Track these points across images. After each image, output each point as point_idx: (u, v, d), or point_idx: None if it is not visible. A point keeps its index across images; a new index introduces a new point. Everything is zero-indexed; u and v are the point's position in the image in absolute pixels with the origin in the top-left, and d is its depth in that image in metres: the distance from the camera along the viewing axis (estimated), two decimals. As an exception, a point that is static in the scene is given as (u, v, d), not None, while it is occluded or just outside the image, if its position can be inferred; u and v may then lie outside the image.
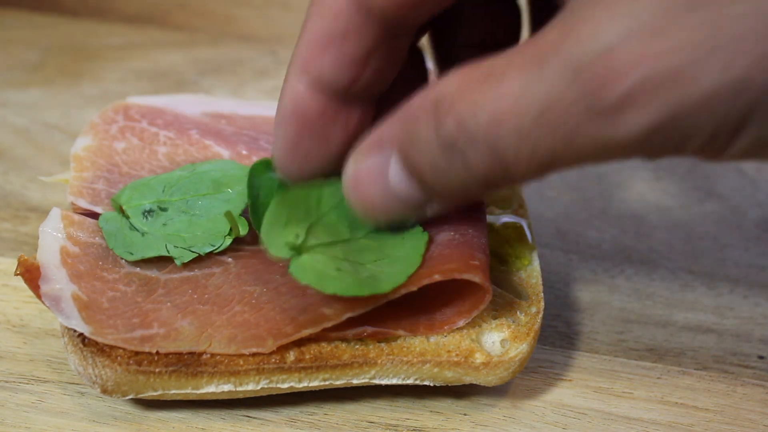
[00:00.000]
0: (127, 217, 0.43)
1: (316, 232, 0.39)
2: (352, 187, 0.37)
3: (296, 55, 0.38)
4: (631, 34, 0.29)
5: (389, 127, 0.36)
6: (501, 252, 0.45)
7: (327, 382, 0.40)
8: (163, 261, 0.42)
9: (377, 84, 0.38)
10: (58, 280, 0.40)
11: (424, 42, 0.43)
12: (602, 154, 0.31)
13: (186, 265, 0.42)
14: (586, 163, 0.32)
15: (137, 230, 0.43)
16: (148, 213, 0.43)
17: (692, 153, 0.31)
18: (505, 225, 0.47)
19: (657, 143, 0.30)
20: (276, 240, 0.38)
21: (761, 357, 0.46)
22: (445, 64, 0.43)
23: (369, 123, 0.39)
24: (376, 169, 0.36)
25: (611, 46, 0.29)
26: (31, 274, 0.40)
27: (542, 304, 0.43)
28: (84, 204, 0.44)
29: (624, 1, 0.29)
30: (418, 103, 0.34)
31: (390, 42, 0.37)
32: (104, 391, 0.39)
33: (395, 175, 0.36)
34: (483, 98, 0.32)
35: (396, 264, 0.38)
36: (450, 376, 0.40)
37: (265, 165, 0.42)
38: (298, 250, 0.38)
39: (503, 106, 0.32)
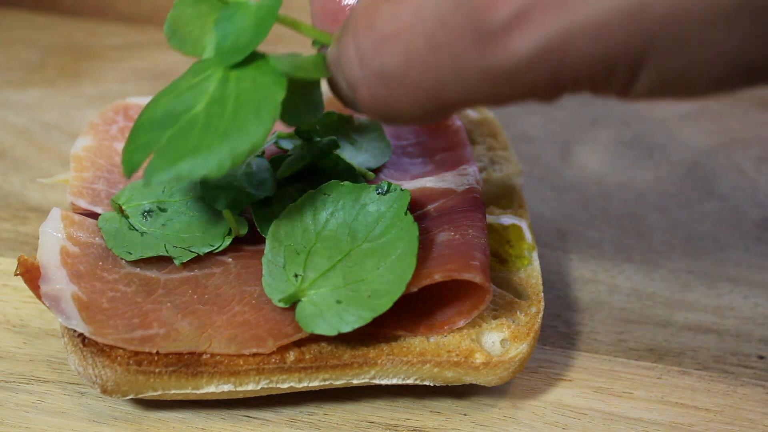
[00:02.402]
0: (127, 217, 0.43)
1: (315, 261, 0.39)
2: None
3: None
4: None
5: (341, 27, 0.35)
6: (501, 252, 0.45)
7: (327, 382, 0.40)
8: (163, 261, 0.42)
9: None
10: (58, 280, 0.40)
11: None
12: (491, 86, 0.29)
13: (186, 266, 0.42)
14: (477, 98, 0.30)
15: (136, 230, 0.43)
16: (147, 213, 0.43)
17: (592, 89, 0.29)
18: (505, 225, 0.47)
19: (546, 73, 0.28)
20: (276, 290, 0.39)
21: (761, 357, 0.46)
22: None
23: None
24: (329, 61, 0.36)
25: None
26: (31, 274, 0.40)
27: (542, 304, 0.43)
28: (84, 204, 0.44)
29: None
30: (353, 7, 0.33)
31: None
32: (104, 391, 0.39)
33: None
34: (382, 15, 0.31)
35: (394, 269, 0.38)
36: (450, 376, 0.40)
37: None
38: (297, 296, 0.39)
39: (398, 24, 0.30)
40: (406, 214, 0.40)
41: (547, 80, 0.29)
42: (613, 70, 0.28)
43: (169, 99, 0.37)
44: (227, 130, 0.35)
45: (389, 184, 0.40)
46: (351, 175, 0.44)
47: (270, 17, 0.37)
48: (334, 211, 0.41)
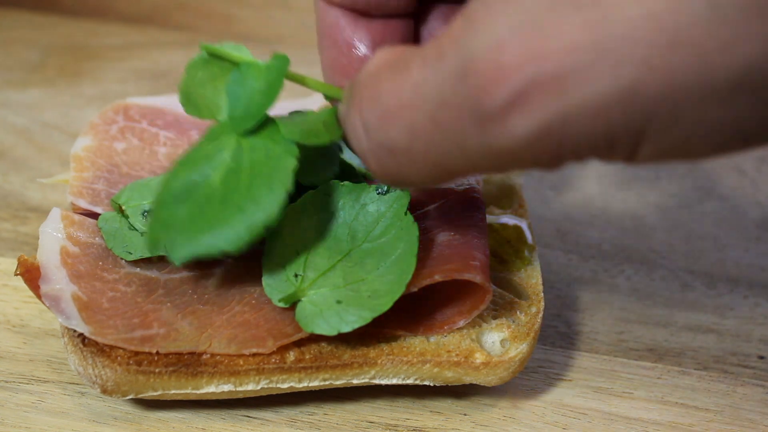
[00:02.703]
0: (127, 217, 0.43)
1: (314, 261, 0.39)
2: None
3: None
4: (521, 29, 0.27)
5: (345, 87, 0.36)
6: (501, 252, 0.45)
7: (327, 382, 0.40)
8: (163, 261, 0.42)
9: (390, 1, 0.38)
10: (58, 280, 0.40)
11: None
12: (494, 161, 0.30)
13: (186, 266, 0.42)
14: (484, 171, 0.31)
15: (136, 230, 0.43)
16: (147, 213, 0.43)
17: (595, 158, 0.29)
18: (505, 225, 0.47)
19: (548, 150, 0.29)
20: (276, 290, 0.39)
21: (761, 357, 0.46)
22: None
23: (402, 36, 0.39)
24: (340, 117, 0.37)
25: (501, 40, 0.27)
26: (31, 274, 0.40)
27: (542, 304, 0.43)
28: (84, 204, 0.44)
29: None
30: (357, 75, 0.34)
31: None
32: (104, 391, 0.39)
33: None
34: (385, 89, 0.31)
35: (394, 269, 0.38)
36: (450, 376, 0.40)
37: None
38: (297, 296, 0.39)
39: (400, 100, 0.30)
40: (406, 214, 0.40)
41: (549, 156, 0.29)
42: (613, 145, 0.28)
43: (186, 170, 0.38)
44: (243, 203, 0.37)
45: (389, 186, 0.40)
46: (351, 175, 0.44)
47: (279, 80, 0.39)
48: (334, 212, 0.41)
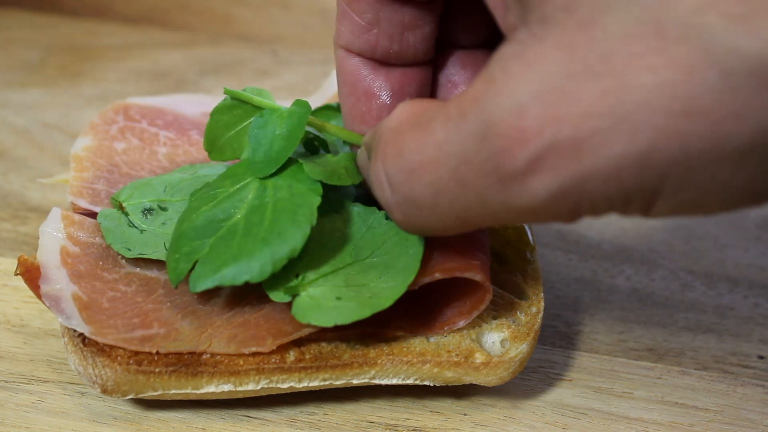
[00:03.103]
0: (127, 215, 0.43)
1: (317, 266, 0.39)
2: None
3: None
4: (540, 95, 0.28)
5: (366, 136, 0.38)
6: (501, 252, 0.45)
7: (327, 382, 0.40)
8: (163, 261, 0.42)
9: (406, 48, 0.39)
10: (58, 280, 0.40)
11: None
12: (514, 216, 0.31)
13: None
14: (506, 223, 0.32)
15: (136, 227, 0.43)
16: (147, 211, 0.43)
17: (612, 213, 0.30)
18: (505, 225, 0.47)
19: (566, 209, 0.30)
20: (274, 285, 0.39)
21: (761, 357, 0.46)
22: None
23: (420, 82, 0.41)
24: (361, 166, 0.39)
25: (521, 105, 0.28)
26: (31, 274, 0.40)
27: (542, 304, 0.43)
28: (84, 204, 0.44)
29: (541, 59, 0.28)
30: (378, 127, 0.35)
31: (395, 8, 0.38)
32: (104, 391, 0.39)
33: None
34: (409, 145, 0.32)
35: (397, 276, 0.38)
36: (450, 376, 0.40)
37: None
38: (296, 290, 0.38)
39: (424, 157, 0.32)
40: None
41: (567, 212, 0.30)
42: (629, 203, 0.29)
43: (209, 208, 0.39)
44: (267, 237, 0.38)
45: None
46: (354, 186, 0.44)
47: (300, 126, 0.40)
48: (341, 229, 0.41)
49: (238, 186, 0.40)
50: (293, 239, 0.38)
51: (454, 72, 0.41)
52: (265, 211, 0.39)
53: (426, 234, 0.35)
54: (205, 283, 0.37)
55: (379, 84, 0.40)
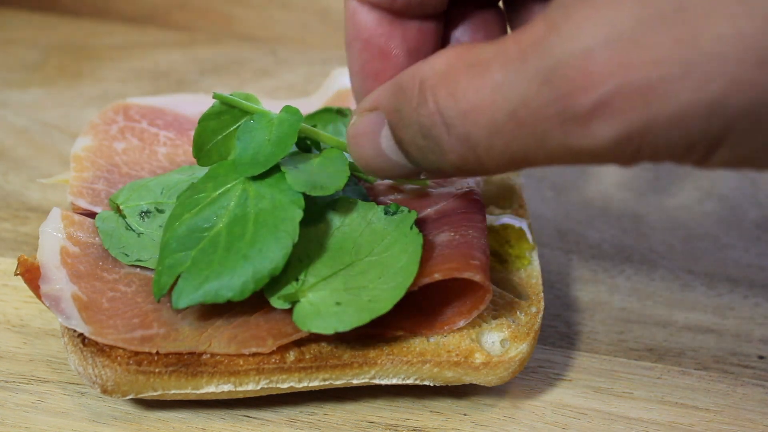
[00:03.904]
0: (124, 217, 0.43)
1: (316, 268, 0.39)
2: (350, 143, 0.38)
3: None
4: (610, 41, 0.29)
5: (384, 91, 0.36)
6: (501, 252, 0.45)
7: (327, 382, 0.40)
8: (163, 261, 0.42)
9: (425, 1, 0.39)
10: (58, 280, 0.40)
11: None
12: (573, 158, 0.31)
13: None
14: (559, 164, 0.32)
15: (133, 230, 0.43)
16: (145, 214, 0.43)
17: (669, 162, 0.31)
18: (505, 225, 0.47)
19: (627, 153, 0.30)
20: (275, 291, 0.39)
21: (761, 357, 0.46)
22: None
23: (433, 40, 0.40)
24: (369, 130, 0.37)
25: (589, 50, 0.29)
26: (31, 274, 0.40)
27: (542, 304, 0.43)
28: (84, 204, 0.44)
29: (611, 4, 0.29)
30: (408, 77, 0.34)
31: None
32: (104, 391, 0.39)
33: (386, 141, 0.36)
34: (463, 87, 0.32)
35: (396, 276, 0.38)
36: (450, 376, 0.40)
37: None
38: (296, 296, 0.39)
39: (481, 98, 0.31)
40: (411, 228, 0.40)
41: (628, 157, 0.30)
42: (691, 151, 0.30)
43: (191, 215, 0.40)
44: (248, 252, 0.38)
45: (397, 207, 0.41)
46: (351, 181, 0.43)
47: (292, 135, 0.40)
48: (340, 227, 0.41)
49: (220, 191, 0.40)
50: (274, 256, 0.38)
51: (463, 32, 0.41)
52: (247, 223, 0.39)
53: (479, 174, 0.35)
54: (186, 300, 0.38)
55: (396, 40, 0.39)
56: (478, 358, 0.40)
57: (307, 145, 0.44)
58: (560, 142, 0.31)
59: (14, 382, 0.42)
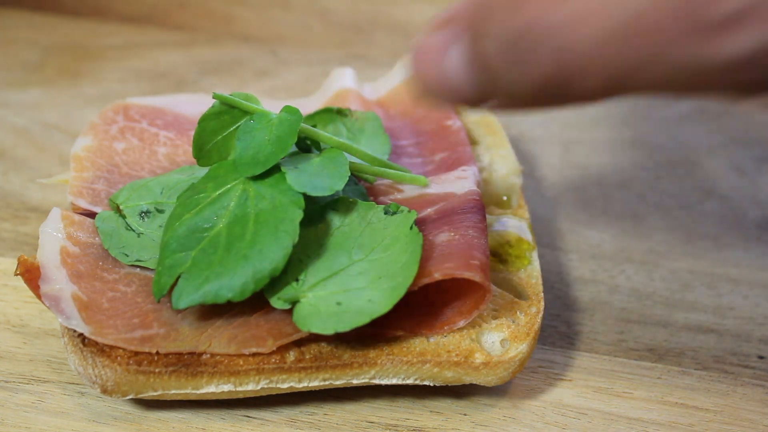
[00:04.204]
0: (124, 217, 0.43)
1: (317, 268, 0.39)
2: (413, 59, 0.34)
3: None
4: None
5: (464, 5, 0.32)
6: (501, 252, 0.45)
7: (327, 382, 0.40)
8: (163, 261, 0.42)
9: None
10: (58, 280, 0.40)
11: None
12: (688, 79, 0.28)
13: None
14: (662, 90, 0.29)
15: (133, 231, 0.43)
16: (145, 214, 0.43)
17: None
18: (505, 225, 0.46)
19: (756, 73, 0.27)
20: (275, 290, 0.39)
21: (761, 357, 0.46)
22: None
23: None
24: (438, 47, 0.33)
25: None
26: (31, 274, 0.40)
27: (542, 304, 0.43)
28: (84, 204, 0.44)
29: None
30: None
31: None
32: (104, 391, 0.39)
33: (456, 58, 0.32)
34: None
35: (396, 277, 0.38)
36: (450, 376, 0.40)
37: None
38: (296, 297, 0.39)
39: (587, 5, 0.28)
40: (411, 228, 0.40)
41: (755, 80, 0.28)
42: None
43: (191, 215, 0.40)
44: (248, 253, 0.38)
45: (397, 206, 0.41)
46: (351, 181, 0.43)
47: (292, 135, 0.40)
48: (340, 227, 0.41)
49: (220, 191, 0.40)
50: (274, 257, 0.38)
51: None
52: (247, 223, 0.39)
53: (558, 105, 0.31)
54: (186, 300, 0.38)
55: None
56: (478, 358, 0.40)
57: (307, 145, 0.44)
58: (682, 56, 0.27)
59: (14, 382, 0.42)
